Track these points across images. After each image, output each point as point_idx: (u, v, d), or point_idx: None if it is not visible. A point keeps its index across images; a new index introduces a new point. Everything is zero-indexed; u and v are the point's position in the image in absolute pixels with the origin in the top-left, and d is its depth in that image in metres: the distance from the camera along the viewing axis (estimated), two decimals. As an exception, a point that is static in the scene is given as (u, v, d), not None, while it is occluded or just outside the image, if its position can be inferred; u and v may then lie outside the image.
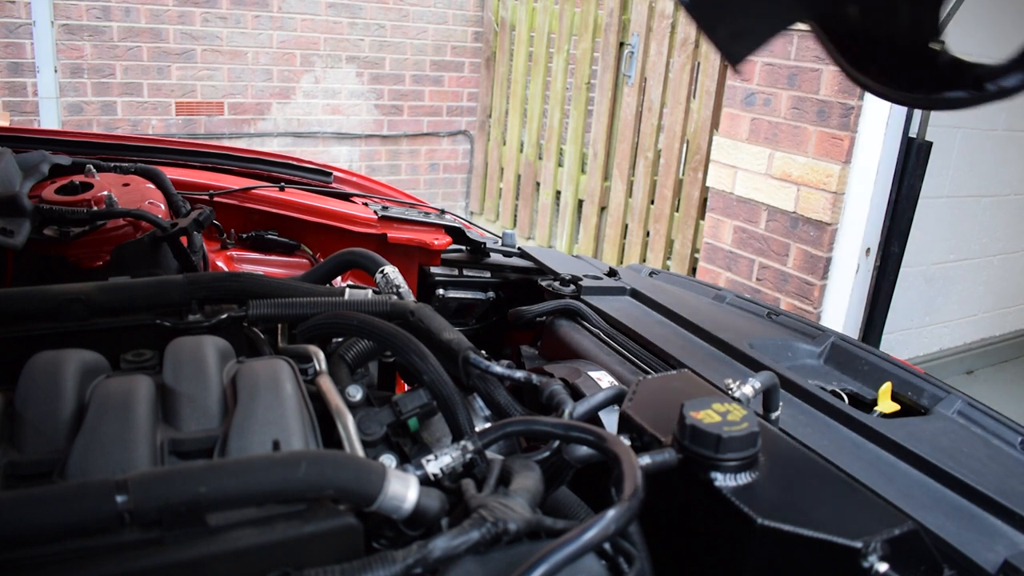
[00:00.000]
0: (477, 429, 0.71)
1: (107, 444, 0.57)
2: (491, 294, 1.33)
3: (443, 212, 1.63)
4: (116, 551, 0.48)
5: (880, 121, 2.95)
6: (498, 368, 0.80)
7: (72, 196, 1.23)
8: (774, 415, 0.80)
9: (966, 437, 0.89)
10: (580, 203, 5.10)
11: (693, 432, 0.61)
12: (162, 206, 1.29)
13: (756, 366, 0.96)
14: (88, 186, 1.26)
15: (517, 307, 1.14)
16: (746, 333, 1.09)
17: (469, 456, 0.63)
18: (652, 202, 4.64)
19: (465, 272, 1.33)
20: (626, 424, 0.70)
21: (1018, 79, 0.60)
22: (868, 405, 0.99)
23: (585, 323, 1.09)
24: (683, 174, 4.39)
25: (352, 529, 0.54)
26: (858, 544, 0.54)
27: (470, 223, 1.58)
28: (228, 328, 0.86)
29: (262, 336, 0.88)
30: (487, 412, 0.85)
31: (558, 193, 5.24)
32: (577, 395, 0.84)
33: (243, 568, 0.50)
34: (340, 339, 0.89)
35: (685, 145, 4.36)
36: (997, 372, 4.25)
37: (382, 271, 1.01)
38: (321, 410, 0.68)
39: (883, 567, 0.54)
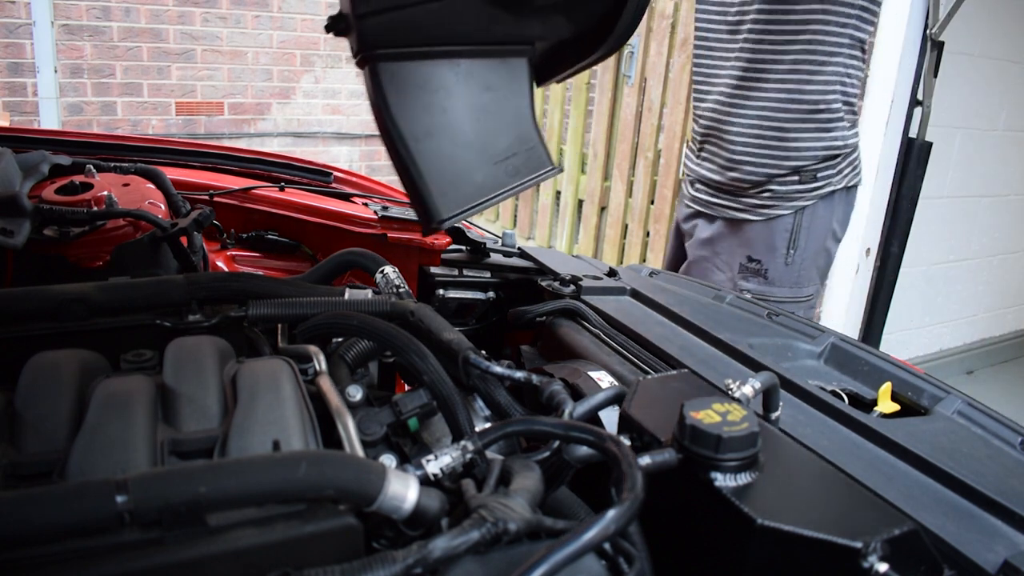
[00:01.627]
0: (477, 429, 0.71)
1: (107, 444, 0.57)
2: (491, 294, 1.33)
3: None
4: (116, 551, 0.48)
5: (880, 122, 2.95)
6: (498, 368, 0.80)
7: (72, 196, 1.23)
8: (774, 415, 0.80)
9: (966, 437, 0.89)
10: (580, 203, 5.10)
11: (693, 432, 0.61)
12: (162, 206, 1.29)
13: (756, 366, 0.96)
14: (88, 186, 1.26)
15: (517, 307, 1.14)
16: (746, 333, 1.09)
17: (469, 456, 0.63)
18: (652, 202, 4.64)
19: (465, 272, 1.33)
20: (626, 424, 0.70)
21: None
22: (868, 405, 0.99)
23: (585, 323, 1.09)
24: (683, 174, 4.37)
25: (352, 529, 0.54)
26: (858, 544, 0.54)
27: (470, 223, 1.58)
28: (228, 328, 0.86)
29: (262, 336, 0.88)
30: (487, 412, 0.85)
31: (558, 193, 5.24)
32: (577, 395, 0.83)
33: (243, 568, 0.50)
34: (340, 339, 0.89)
35: (685, 145, 4.36)
36: (997, 372, 4.25)
37: (382, 271, 1.01)
38: (321, 410, 0.68)
39: (883, 567, 0.54)
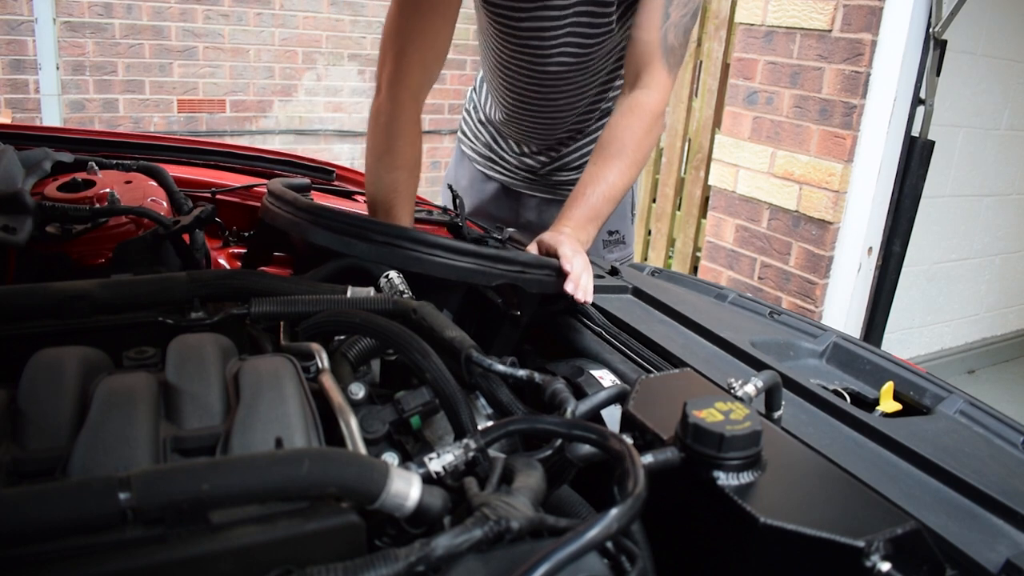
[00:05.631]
0: (479, 427, 0.71)
1: (110, 441, 0.57)
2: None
3: (445, 210, 1.62)
4: (119, 548, 0.48)
5: (883, 120, 2.95)
6: (500, 367, 0.80)
7: (74, 193, 1.23)
8: (777, 414, 0.80)
9: (968, 437, 0.89)
10: (582, 201, 5.08)
11: (696, 431, 0.61)
12: (164, 203, 1.30)
13: (758, 365, 0.96)
14: (90, 183, 1.26)
15: (519, 305, 1.14)
16: (748, 332, 1.09)
17: (471, 454, 0.63)
18: (654, 201, 4.64)
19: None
20: (628, 423, 0.70)
21: None
22: (870, 404, 0.98)
23: (587, 322, 1.09)
24: (685, 173, 4.38)
25: (354, 527, 0.54)
26: (861, 543, 0.54)
27: (472, 221, 1.58)
28: (230, 325, 0.86)
29: (264, 334, 0.88)
30: (489, 410, 0.85)
31: (560, 191, 5.23)
32: (579, 394, 0.84)
33: (245, 565, 0.50)
34: (342, 337, 0.89)
35: (687, 144, 4.36)
36: (999, 372, 4.24)
37: (386, 276, 1.01)
38: (323, 408, 0.68)
39: (885, 566, 0.54)
